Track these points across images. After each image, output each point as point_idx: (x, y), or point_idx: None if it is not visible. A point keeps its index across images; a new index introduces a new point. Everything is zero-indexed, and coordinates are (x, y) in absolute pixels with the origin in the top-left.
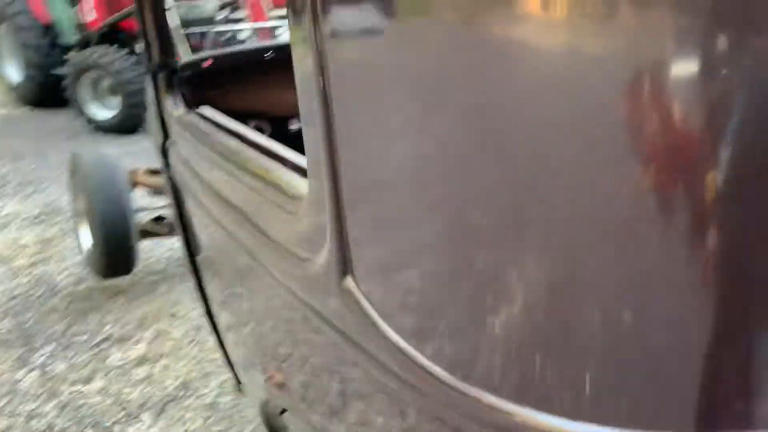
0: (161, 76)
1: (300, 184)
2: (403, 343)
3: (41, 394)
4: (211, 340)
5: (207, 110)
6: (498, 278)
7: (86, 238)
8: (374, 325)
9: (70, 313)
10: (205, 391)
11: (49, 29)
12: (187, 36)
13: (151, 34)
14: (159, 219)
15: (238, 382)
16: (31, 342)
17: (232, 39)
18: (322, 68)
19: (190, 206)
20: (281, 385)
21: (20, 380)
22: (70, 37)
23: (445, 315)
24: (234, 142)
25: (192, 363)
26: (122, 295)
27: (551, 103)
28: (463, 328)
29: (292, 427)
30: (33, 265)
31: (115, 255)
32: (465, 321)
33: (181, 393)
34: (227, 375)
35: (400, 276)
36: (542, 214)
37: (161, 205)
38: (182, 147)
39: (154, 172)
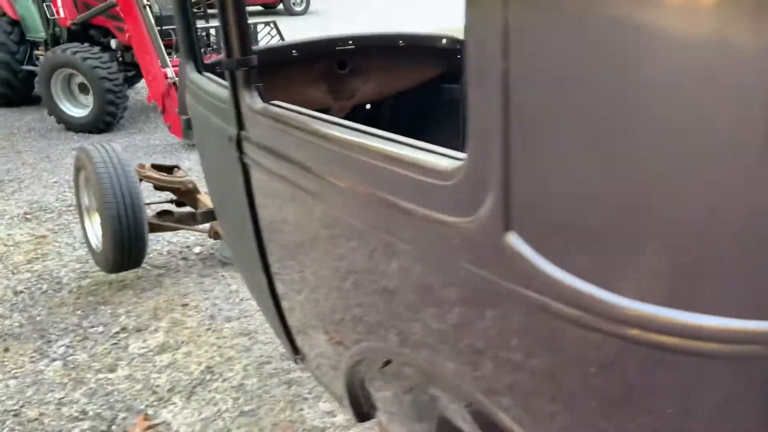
0: (240, 72)
1: (437, 160)
2: (577, 285)
3: (67, 383)
4: (228, 327)
5: (280, 103)
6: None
7: (94, 233)
8: (544, 272)
9: (80, 307)
10: (230, 374)
11: (15, 25)
12: (166, 33)
13: (233, 30)
14: (165, 213)
15: (296, 353)
16: (47, 334)
17: (208, 38)
18: (505, 49)
19: (270, 188)
20: (402, 341)
21: (43, 371)
22: (38, 33)
23: (618, 250)
24: (339, 130)
25: (213, 349)
26: (129, 288)
27: None
28: (642, 258)
29: (381, 390)
30: (31, 261)
31: (128, 249)
32: (642, 252)
33: (207, 377)
34: (250, 359)
35: (569, 225)
36: None
37: (166, 200)
38: (263, 136)
39: (158, 168)
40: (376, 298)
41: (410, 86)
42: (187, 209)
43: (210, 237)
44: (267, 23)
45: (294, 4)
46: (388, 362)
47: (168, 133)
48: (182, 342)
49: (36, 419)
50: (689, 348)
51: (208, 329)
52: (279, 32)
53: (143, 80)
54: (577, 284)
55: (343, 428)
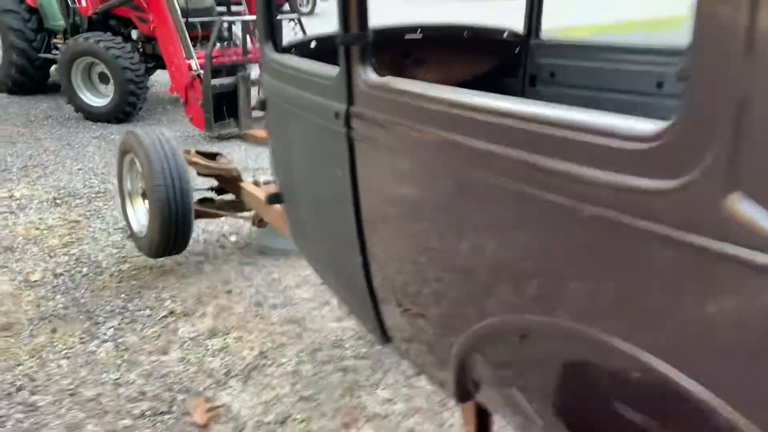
0: (356, 48)
1: (629, 124)
2: None
3: (121, 364)
4: (276, 314)
5: (401, 79)
6: None
7: (137, 218)
8: None
9: (123, 290)
10: (284, 360)
11: (34, 12)
12: (191, 26)
13: (352, 6)
14: (207, 200)
15: (384, 336)
16: (93, 316)
17: (230, 32)
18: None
19: (382, 162)
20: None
21: (95, 351)
22: (57, 21)
23: None
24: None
25: (263, 335)
26: (170, 274)
27: None
28: None
29: (500, 369)
30: (66, 245)
31: (174, 234)
32: None
33: (262, 362)
34: (302, 345)
35: None
36: None
37: (209, 187)
38: (379, 111)
39: (203, 155)
40: (522, 270)
41: (469, 78)
42: (229, 197)
43: (253, 225)
44: (291, 19)
45: (300, 5)
46: (524, 337)
47: (189, 125)
48: (231, 327)
49: (93, 399)
50: None
51: (256, 315)
52: (303, 28)
53: (159, 72)
54: None
55: (404, 416)
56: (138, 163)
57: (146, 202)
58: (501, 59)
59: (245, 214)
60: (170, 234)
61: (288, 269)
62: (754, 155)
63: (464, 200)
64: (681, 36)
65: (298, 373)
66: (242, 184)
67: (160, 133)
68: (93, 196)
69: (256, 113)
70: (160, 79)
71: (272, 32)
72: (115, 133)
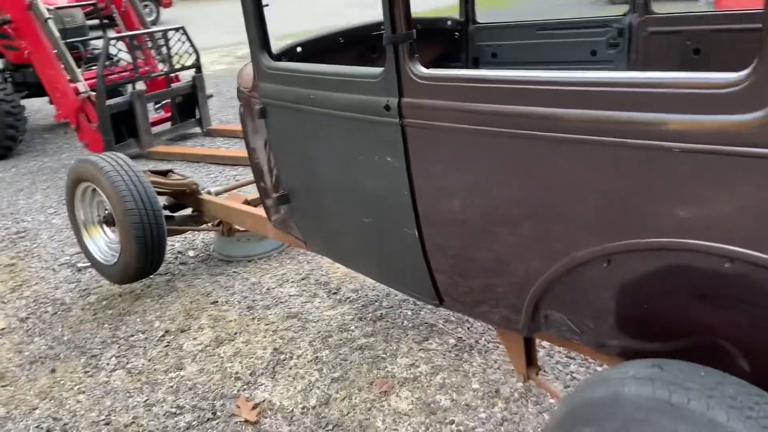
0: (404, 45)
1: (709, 76)
2: None
3: (142, 387)
4: (272, 313)
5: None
6: None
7: (99, 247)
8: None
9: (104, 321)
10: (300, 351)
11: None
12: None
13: (399, 7)
14: (167, 218)
15: (440, 300)
16: (87, 350)
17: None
18: None
19: (440, 143)
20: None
21: (108, 381)
22: None
23: None
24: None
25: (269, 334)
26: (145, 297)
27: None
28: None
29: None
30: (15, 289)
31: (151, 255)
32: None
33: (280, 357)
34: (311, 336)
35: None
36: None
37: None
38: (433, 99)
39: (156, 173)
40: (620, 206)
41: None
42: (187, 212)
43: (223, 234)
44: (176, 29)
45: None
46: (609, 261)
47: (76, 151)
48: (235, 333)
49: (131, 423)
50: None
51: (253, 318)
52: (188, 38)
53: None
54: None
55: (431, 375)
56: (100, 190)
57: (105, 230)
58: (447, 45)
59: (205, 225)
60: (148, 256)
61: (261, 272)
62: None
63: (541, 160)
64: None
65: (320, 359)
66: (204, 197)
67: (117, 156)
68: (14, 237)
69: (157, 129)
70: (29, 107)
71: (267, 42)
72: (1, 170)
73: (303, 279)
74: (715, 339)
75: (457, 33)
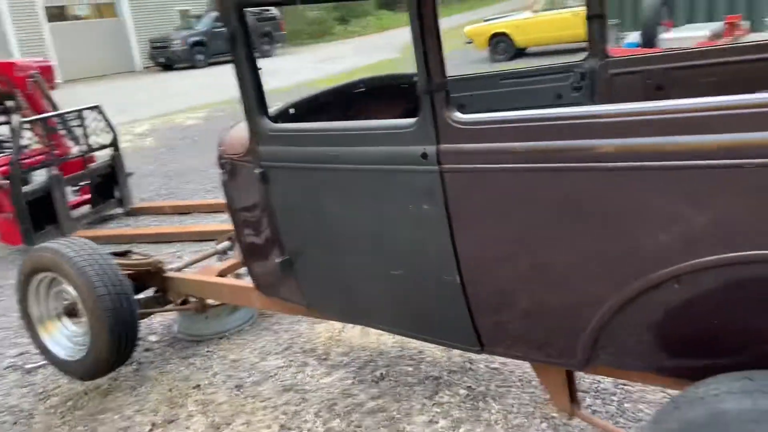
0: (439, 94)
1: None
2: None
3: None
4: (264, 389)
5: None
6: None
7: (60, 342)
8: None
9: (77, 423)
10: (309, 425)
11: None
12: None
13: (435, 59)
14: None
15: (481, 345)
16: None
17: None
18: None
19: (478, 187)
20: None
21: None
22: None
23: None
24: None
25: (268, 411)
26: (115, 391)
27: None
28: None
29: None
30: None
31: (125, 342)
32: None
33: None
34: (315, 406)
35: None
36: None
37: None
38: (473, 142)
39: (117, 254)
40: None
41: (400, 115)
42: (151, 292)
43: (196, 312)
44: (92, 108)
45: None
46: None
47: None
48: (231, 416)
49: None
50: None
51: (246, 397)
52: (105, 117)
53: None
54: None
55: (452, 429)
56: (63, 279)
57: (66, 323)
58: (415, 99)
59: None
60: (121, 345)
61: (238, 347)
62: None
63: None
64: None
65: (332, 429)
66: (172, 275)
67: (78, 240)
68: None
69: (77, 212)
70: None
71: (265, 105)
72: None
73: (286, 349)
74: None
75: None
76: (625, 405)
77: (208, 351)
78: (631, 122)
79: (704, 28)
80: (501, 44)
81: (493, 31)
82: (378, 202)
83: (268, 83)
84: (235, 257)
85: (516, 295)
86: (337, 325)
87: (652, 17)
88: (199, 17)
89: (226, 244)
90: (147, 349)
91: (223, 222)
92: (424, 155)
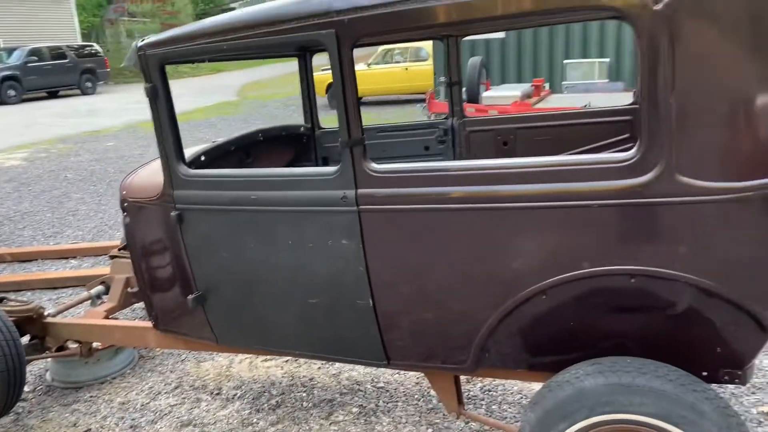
0: (358, 148)
1: (612, 156)
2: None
3: None
4: (162, 427)
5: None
6: None
7: None
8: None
9: None
10: None
11: None
12: None
13: (353, 118)
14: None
15: (388, 359)
16: None
17: None
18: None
19: (391, 224)
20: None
21: None
22: None
23: None
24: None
25: None
26: None
27: None
28: None
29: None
30: None
31: (14, 390)
32: None
33: None
34: (224, 420)
35: None
36: None
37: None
38: (385, 188)
39: None
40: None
41: (284, 164)
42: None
43: (82, 357)
44: None
45: None
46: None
47: None
48: None
49: None
50: None
51: None
52: None
53: None
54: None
55: None
56: None
57: None
58: (298, 148)
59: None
60: (9, 393)
61: (123, 390)
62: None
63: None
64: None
65: None
66: (55, 320)
67: None
68: None
69: None
70: None
71: (182, 152)
72: None
73: (176, 387)
74: (622, 337)
75: (305, 137)
76: (493, 407)
77: (91, 396)
78: (485, 175)
79: (517, 88)
80: None
81: (329, 81)
82: (297, 239)
83: (95, 123)
84: (110, 301)
85: (418, 313)
86: (224, 361)
87: (475, 77)
88: (10, 51)
89: (99, 288)
90: (22, 399)
91: (74, 268)
92: (345, 198)
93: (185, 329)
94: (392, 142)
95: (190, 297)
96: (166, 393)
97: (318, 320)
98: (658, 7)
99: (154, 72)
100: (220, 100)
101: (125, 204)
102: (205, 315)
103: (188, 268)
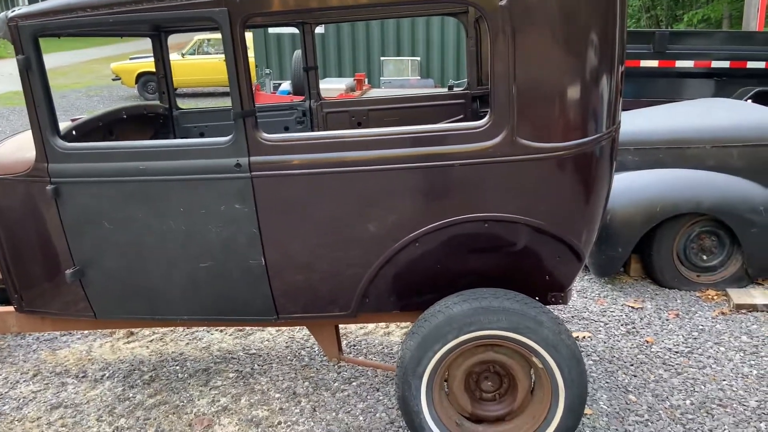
0: (250, 119)
1: (469, 124)
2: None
3: None
4: (30, 410)
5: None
6: None
7: None
8: None
9: None
10: (95, 429)
11: None
12: None
13: (244, 90)
14: None
15: (276, 312)
16: None
17: None
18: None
19: (279, 188)
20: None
21: None
22: None
23: None
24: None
25: (44, 427)
26: None
27: None
28: None
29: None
30: None
31: None
32: None
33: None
34: (94, 414)
35: None
36: None
37: None
38: (274, 157)
39: None
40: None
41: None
42: None
43: None
44: None
45: None
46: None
47: None
48: None
49: None
50: None
51: (12, 421)
52: None
53: None
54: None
55: (234, 401)
56: None
57: None
58: (156, 127)
59: None
60: None
61: None
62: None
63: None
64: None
65: (121, 428)
66: None
67: None
68: None
69: None
70: None
71: (57, 124)
72: None
73: (35, 375)
74: (475, 273)
75: (162, 118)
76: (360, 358)
77: None
78: (365, 141)
79: (341, 81)
80: (150, 83)
81: (140, 70)
82: (188, 206)
83: None
84: None
85: (307, 268)
86: (82, 347)
87: (299, 70)
88: None
89: None
90: None
91: None
92: (238, 165)
93: (57, 308)
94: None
95: (68, 272)
96: (24, 381)
97: (210, 283)
98: (503, 2)
99: (27, 44)
100: (7, 90)
101: None
102: (83, 290)
103: (65, 243)
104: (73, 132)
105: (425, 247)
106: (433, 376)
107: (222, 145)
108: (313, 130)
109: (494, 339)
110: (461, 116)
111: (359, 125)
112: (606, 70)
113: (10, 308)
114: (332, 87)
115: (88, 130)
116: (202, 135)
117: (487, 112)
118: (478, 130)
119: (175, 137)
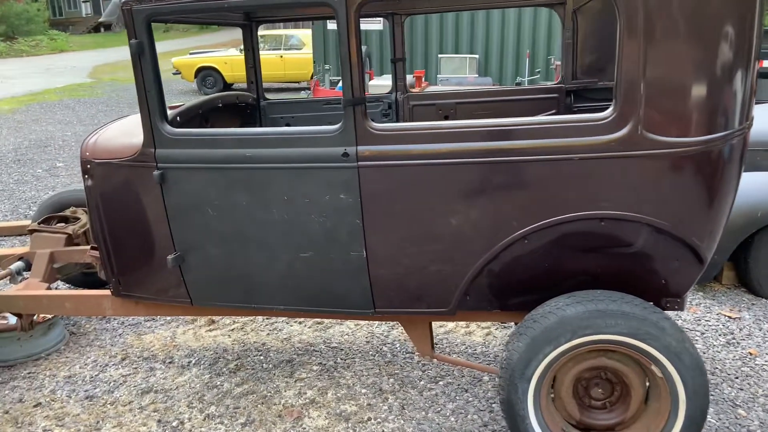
0: (360, 107)
1: (590, 116)
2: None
3: None
4: (121, 394)
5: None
6: None
7: None
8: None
9: None
10: (186, 415)
11: None
12: None
13: (357, 78)
14: None
15: (373, 306)
16: None
17: None
18: None
19: (387, 179)
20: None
21: None
22: None
23: None
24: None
25: (136, 411)
26: None
27: None
28: None
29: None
30: None
31: None
32: None
33: (172, 425)
34: (185, 400)
35: None
36: None
37: None
38: (384, 145)
39: None
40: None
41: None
42: None
43: (23, 330)
44: None
45: None
46: (526, 240)
47: None
48: (96, 423)
49: None
50: None
51: (105, 404)
52: None
53: None
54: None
55: (321, 394)
56: None
57: None
58: (244, 117)
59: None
60: None
61: (63, 365)
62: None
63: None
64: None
65: (213, 415)
66: None
67: None
68: None
69: None
70: None
71: (165, 110)
72: None
73: (123, 359)
74: (587, 274)
75: (250, 108)
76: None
77: (29, 373)
78: (480, 131)
79: None
80: (209, 78)
81: (200, 65)
82: (293, 194)
83: None
84: (34, 276)
85: (410, 262)
86: (166, 332)
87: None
88: None
89: (19, 264)
90: None
91: None
92: (345, 154)
93: (153, 293)
94: (336, 114)
95: (169, 257)
96: (114, 365)
97: (309, 273)
98: None
99: (140, 28)
100: (72, 82)
101: (88, 166)
102: (181, 275)
103: (167, 228)
104: (178, 118)
105: (534, 244)
106: (542, 380)
107: (330, 133)
108: (398, 122)
109: (610, 344)
110: (554, 111)
111: (446, 119)
112: (742, 65)
113: (106, 292)
114: (388, 83)
115: (189, 117)
116: (288, 125)
117: (582, 107)
118: (600, 122)
119: (262, 125)
